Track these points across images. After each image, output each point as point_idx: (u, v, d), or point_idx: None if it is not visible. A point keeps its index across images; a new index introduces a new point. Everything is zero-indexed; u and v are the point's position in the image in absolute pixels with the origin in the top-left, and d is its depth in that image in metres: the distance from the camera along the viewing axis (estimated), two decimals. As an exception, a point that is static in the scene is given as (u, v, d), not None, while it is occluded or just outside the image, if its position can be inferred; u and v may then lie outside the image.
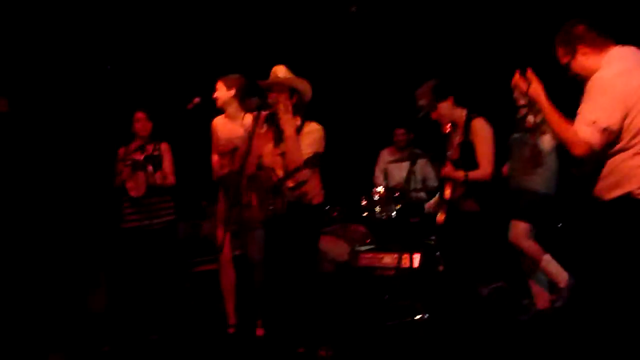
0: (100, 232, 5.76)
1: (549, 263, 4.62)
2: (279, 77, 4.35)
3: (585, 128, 3.00)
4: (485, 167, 4.59)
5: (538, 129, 4.35)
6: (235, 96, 4.83)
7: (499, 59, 5.82)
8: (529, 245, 4.66)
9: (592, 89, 3.05)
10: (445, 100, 4.67)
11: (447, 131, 4.66)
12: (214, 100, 4.87)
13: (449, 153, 4.69)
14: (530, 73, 3.21)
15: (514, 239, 4.69)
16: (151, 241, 5.13)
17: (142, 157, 5.13)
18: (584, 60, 3.14)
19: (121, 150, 5.28)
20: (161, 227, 5.18)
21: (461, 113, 4.66)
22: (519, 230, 4.67)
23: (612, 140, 3.02)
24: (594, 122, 2.98)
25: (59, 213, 5.89)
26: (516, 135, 4.81)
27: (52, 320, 5.05)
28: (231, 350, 4.52)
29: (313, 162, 4.14)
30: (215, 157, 4.95)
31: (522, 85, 3.27)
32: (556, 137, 3.22)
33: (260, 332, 4.66)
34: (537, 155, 4.56)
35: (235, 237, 4.71)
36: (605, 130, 2.99)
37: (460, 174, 4.59)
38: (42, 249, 5.63)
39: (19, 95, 5.69)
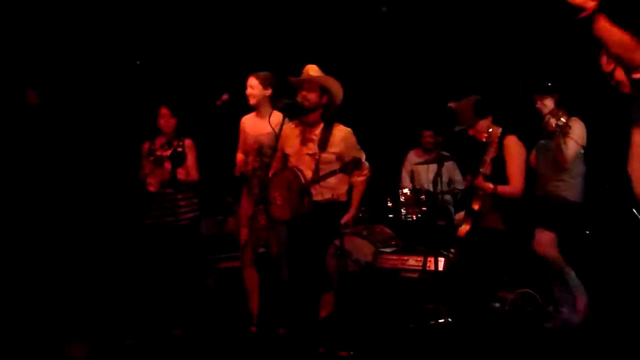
0: (123, 227, 5.78)
1: (572, 277, 4.62)
2: (310, 75, 4.33)
3: None
4: (515, 183, 4.62)
5: (561, 131, 4.34)
6: (269, 95, 4.81)
7: (525, 68, 5.80)
8: (554, 255, 4.65)
9: None
10: (485, 118, 4.73)
11: (483, 139, 4.68)
12: (244, 97, 4.84)
13: (482, 170, 4.68)
14: None
15: (538, 248, 4.68)
16: (175, 237, 5.13)
17: (167, 153, 5.14)
18: None
19: (145, 146, 5.29)
20: (185, 224, 5.19)
21: (497, 131, 4.69)
22: (545, 239, 4.66)
23: None
24: None
25: (83, 205, 5.92)
26: (542, 141, 4.85)
27: (74, 313, 5.07)
28: (252, 348, 4.51)
29: (352, 167, 4.14)
30: (240, 155, 4.94)
31: None
32: (615, 50, 2.81)
33: (281, 330, 4.65)
34: (562, 158, 4.53)
35: (258, 235, 4.70)
36: None
37: (489, 185, 4.61)
38: (64, 241, 5.65)
39: (50, 88, 5.73)
